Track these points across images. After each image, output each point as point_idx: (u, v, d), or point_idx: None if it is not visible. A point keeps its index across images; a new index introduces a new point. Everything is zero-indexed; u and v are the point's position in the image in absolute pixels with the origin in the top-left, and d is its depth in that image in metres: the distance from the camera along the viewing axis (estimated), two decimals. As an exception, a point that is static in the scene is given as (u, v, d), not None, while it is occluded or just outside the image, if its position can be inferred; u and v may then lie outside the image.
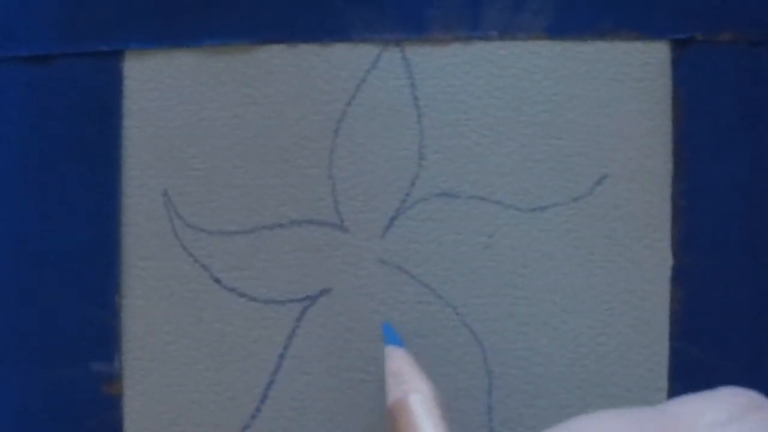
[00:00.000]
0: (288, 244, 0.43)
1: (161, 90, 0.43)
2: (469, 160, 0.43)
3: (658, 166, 0.43)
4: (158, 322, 0.43)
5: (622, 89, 0.43)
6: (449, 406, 0.43)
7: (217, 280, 0.43)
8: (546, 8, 0.43)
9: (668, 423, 0.30)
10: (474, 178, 0.43)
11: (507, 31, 0.43)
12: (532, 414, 0.43)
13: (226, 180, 0.43)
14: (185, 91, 0.43)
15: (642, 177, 0.43)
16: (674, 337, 0.43)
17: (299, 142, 0.43)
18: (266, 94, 0.43)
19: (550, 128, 0.43)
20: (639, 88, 0.43)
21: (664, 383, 0.43)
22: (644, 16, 0.43)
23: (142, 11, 0.43)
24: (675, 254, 0.43)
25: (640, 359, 0.43)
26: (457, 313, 0.43)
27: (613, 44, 0.43)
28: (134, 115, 0.43)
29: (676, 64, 0.43)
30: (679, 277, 0.43)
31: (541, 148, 0.43)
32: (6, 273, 0.43)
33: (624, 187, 0.43)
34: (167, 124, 0.43)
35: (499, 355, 0.43)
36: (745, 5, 0.43)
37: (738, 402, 0.32)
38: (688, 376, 0.43)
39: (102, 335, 0.43)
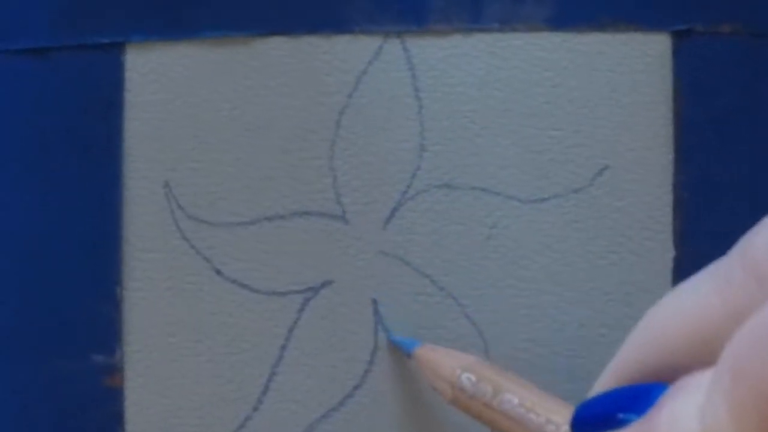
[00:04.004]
0: (289, 235, 0.43)
1: (162, 82, 0.43)
2: (470, 152, 0.43)
3: (658, 157, 0.43)
4: (159, 314, 0.43)
5: (623, 81, 0.43)
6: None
7: (219, 272, 0.43)
8: (547, 0, 0.43)
9: None
10: (475, 170, 0.43)
11: (507, 23, 0.43)
12: (533, 406, 0.43)
13: (227, 172, 0.43)
14: (186, 83, 0.43)
15: (643, 168, 0.43)
16: (676, 328, 0.43)
17: (300, 134, 0.43)
18: (267, 86, 0.43)
19: (550, 120, 0.43)
20: (639, 80, 0.43)
21: (666, 374, 0.43)
22: (644, 7, 0.43)
23: (143, 3, 0.43)
24: (676, 246, 0.43)
25: (642, 350, 0.43)
26: (458, 304, 0.43)
27: (613, 36, 0.43)
28: (135, 108, 0.43)
29: (677, 55, 0.43)
30: (681, 268, 0.43)
31: (542, 139, 0.43)
32: (7, 265, 0.43)
33: (625, 179, 0.43)
34: (168, 116, 0.43)
35: (500, 347, 0.43)
36: (745, -3, 0.43)
37: None
38: (690, 366, 0.43)
39: (103, 327, 0.43)
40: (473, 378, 0.37)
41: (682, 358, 0.25)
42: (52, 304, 0.43)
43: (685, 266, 0.43)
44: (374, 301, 0.43)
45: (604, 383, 0.28)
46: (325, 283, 0.43)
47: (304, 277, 0.43)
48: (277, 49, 0.43)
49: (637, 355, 0.27)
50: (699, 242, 0.43)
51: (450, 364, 0.39)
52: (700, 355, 0.24)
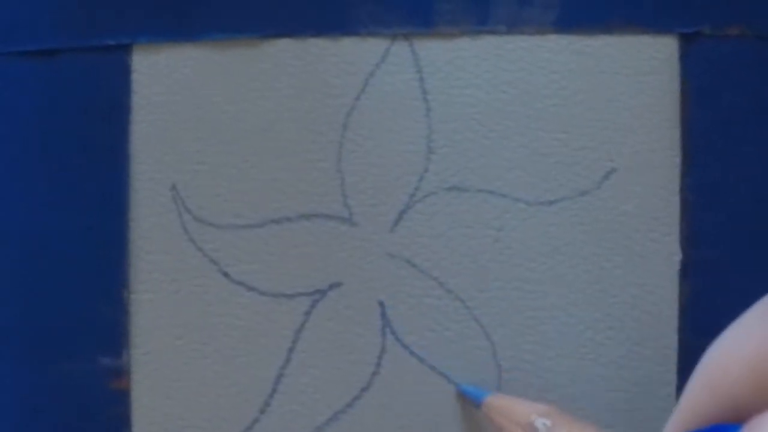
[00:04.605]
0: (297, 238, 0.43)
1: (169, 84, 0.43)
2: (478, 154, 0.43)
3: (666, 160, 0.43)
4: (166, 316, 0.43)
5: (630, 83, 0.43)
6: (458, 400, 0.43)
7: (226, 274, 0.43)
8: (554, 2, 0.43)
9: None
10: (482, 172, 0.43)
11: (515, 26, 0.43)
12: (540, 408, 0.43)
13: (234, 174, 0.43)
14: (193, 86, 0.43)
15: (650, 171, 0.43)
16: (683, 330, 0.43)
17: (308, 136, 0.43)
18: (274, 88, 0.43)
19: (558, 122, 0.43)
20: (647, 82, 0.43)
21: (672, 377, 0.43)
22: (652, 10, 0.43)
23: (150, 5, 0.43)
24: (683, 248, 0.43)
25: (649, 353, 0.43)
26: (466, 306, 0.43)
27: (620, 38, 0.43)
28: (142, 110, 0.43)
29: (684, 58, 0.43)
30: (688, 271, 0.43)
31: (549, 142, 0.43)
32: (14, 267, 0.43)
33: (632, 181, 0.43)
34: (175, 118, 0.43)
35: (508, 350, 0.43)
36: (752, -1, 0.43)
37: None
38: (697, 369, 0.43)
39: (110, 330, 0.43)
40: (548, 423, 0.37)
41: (744, 396, 0.25)
42: (58, 306, 0.43)
43: (691, 269, 0.43)
44: (381, 303, 0.43)
45: (674, 428, 0.28)
46: (333, 286, 0.43)
47: (312, 280, 0.43)
48: (284, 51, 0.43)
49: (701, 397, 0.27)
50: (706, 245, 0.43)
51: (524, 411, 0.39)
52: (761, 391, 0.25)
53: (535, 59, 0.43)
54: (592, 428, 0.38)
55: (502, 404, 0.40)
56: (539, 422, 0.37)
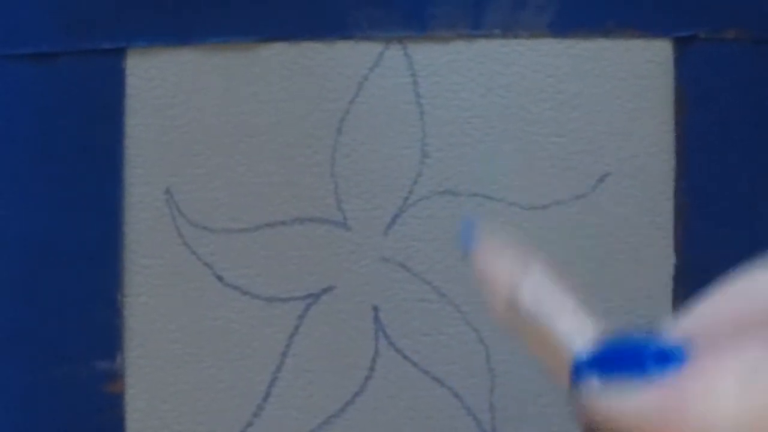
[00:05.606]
0: (291, 242, 0.43)
1: (164, 88, 0.43)
2: (472, 158, 0.43)
3: (660, 164, 0.43)
4: (161, 320, 0.43)
5: (625, 87, 0.43)
6: (451, 404, 0.43)
7: (220, 278, 0.43)
8: (549, 6, 0.43)
9: None
10: (476, 176, 0.43)
11: (510, 29, 0.43)
12: (534, 413, 0.43)
13: (228, 178, 0.43)
14: (188, 89, 0.43)
15: (644, 175, 0.43)
16: (677, 335, 0.43)
17: (302, 140, 0.43)
18: (269, 91, 0.43)
19: (552, 126, 0.43)
20: (642, 86, 0.43)
21: (666, 381, 0.43)
22: (647, 14, 0.43)
23: (145, 9, 0.43)
24: (677, 252, 0.43)
25: (643, 357, 0.43)
26: (459, 311, 0.43)
27: (615, 42, 0.43)
28: (137, 113, 0.43)
29: (679, 62, 0.43)
30: (682, 275, 0.43)
31: (544, 146, 0.43)
32: (9, 270, 0.43)
33: (626, 186, 0.43)
34: (170, 122, 0.43)
35: (501, 353, 0.43)
36: (747, 3, 0.43)
37: None
38: (690, 374, 0.43)
39: (104, 333, 0.43)
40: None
41: None
42: (53, 310, 0.43)
43: (686, 273, 0.43)
44: (375, 308, 0.43)
45: None
46: (326, 290, 0.43)
47: (305, 284, 0.43)
48: (278, 54, 0.43)
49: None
50: (700, 249, 0.43)
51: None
52: None
53: (529, 63, 0.43)
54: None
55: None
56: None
